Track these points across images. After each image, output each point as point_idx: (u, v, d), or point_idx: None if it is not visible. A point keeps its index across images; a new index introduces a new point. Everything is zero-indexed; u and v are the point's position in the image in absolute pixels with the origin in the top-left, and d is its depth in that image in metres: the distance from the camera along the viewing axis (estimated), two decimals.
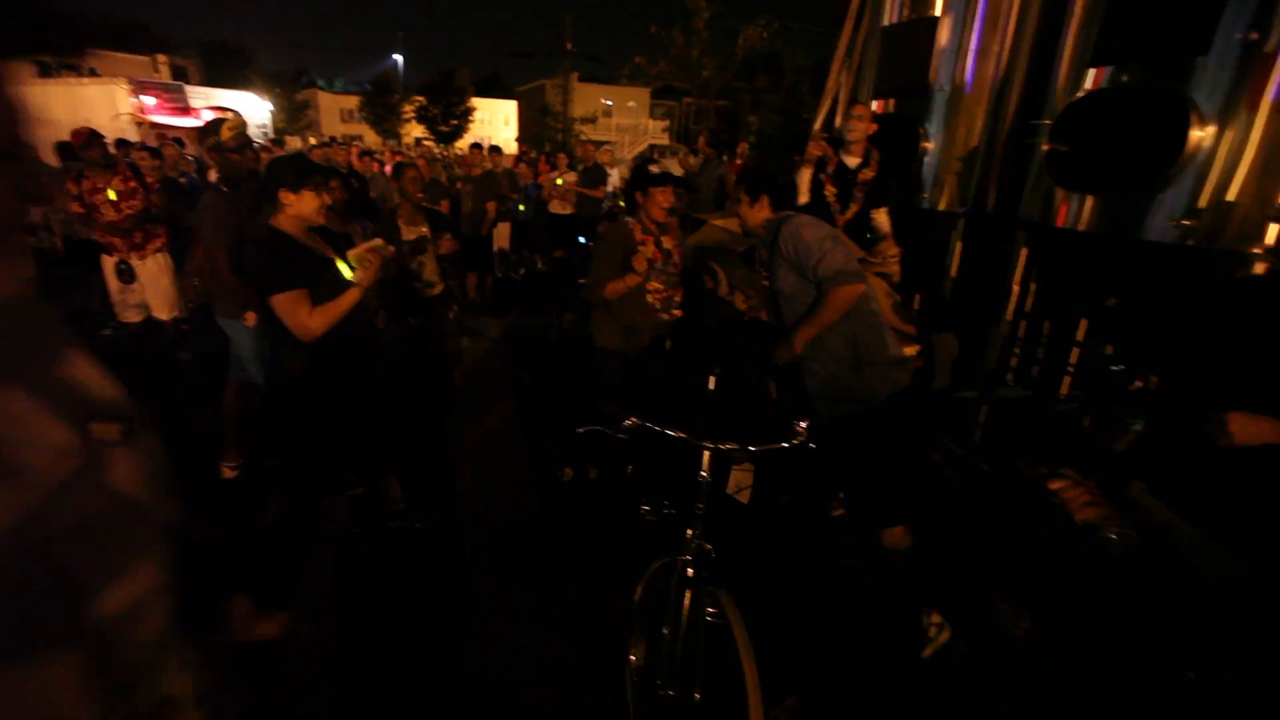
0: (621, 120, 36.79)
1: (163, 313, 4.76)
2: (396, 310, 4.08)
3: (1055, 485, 1.46)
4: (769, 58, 19.88)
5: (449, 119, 36.76)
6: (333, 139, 21.69)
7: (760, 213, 2.45)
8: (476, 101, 38.18)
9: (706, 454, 1.72)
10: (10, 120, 0.46)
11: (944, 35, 4.13)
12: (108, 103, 11.53)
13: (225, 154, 3.22)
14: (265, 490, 3.37)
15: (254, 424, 3.53)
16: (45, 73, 16.15)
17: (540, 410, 4.54)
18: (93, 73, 17.83)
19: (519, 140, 31.81)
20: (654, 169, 2.95)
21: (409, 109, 37.31)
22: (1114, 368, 3.80)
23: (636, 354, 2.95)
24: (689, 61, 19.32)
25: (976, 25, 4.10)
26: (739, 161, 9.91)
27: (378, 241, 2.45)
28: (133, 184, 4.46)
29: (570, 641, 2.37)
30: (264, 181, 2.32)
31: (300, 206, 2.31)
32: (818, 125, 6.54)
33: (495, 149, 8.27)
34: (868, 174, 3.65)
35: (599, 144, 9.71)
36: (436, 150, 20.71)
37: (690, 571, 1.73)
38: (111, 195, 4.36)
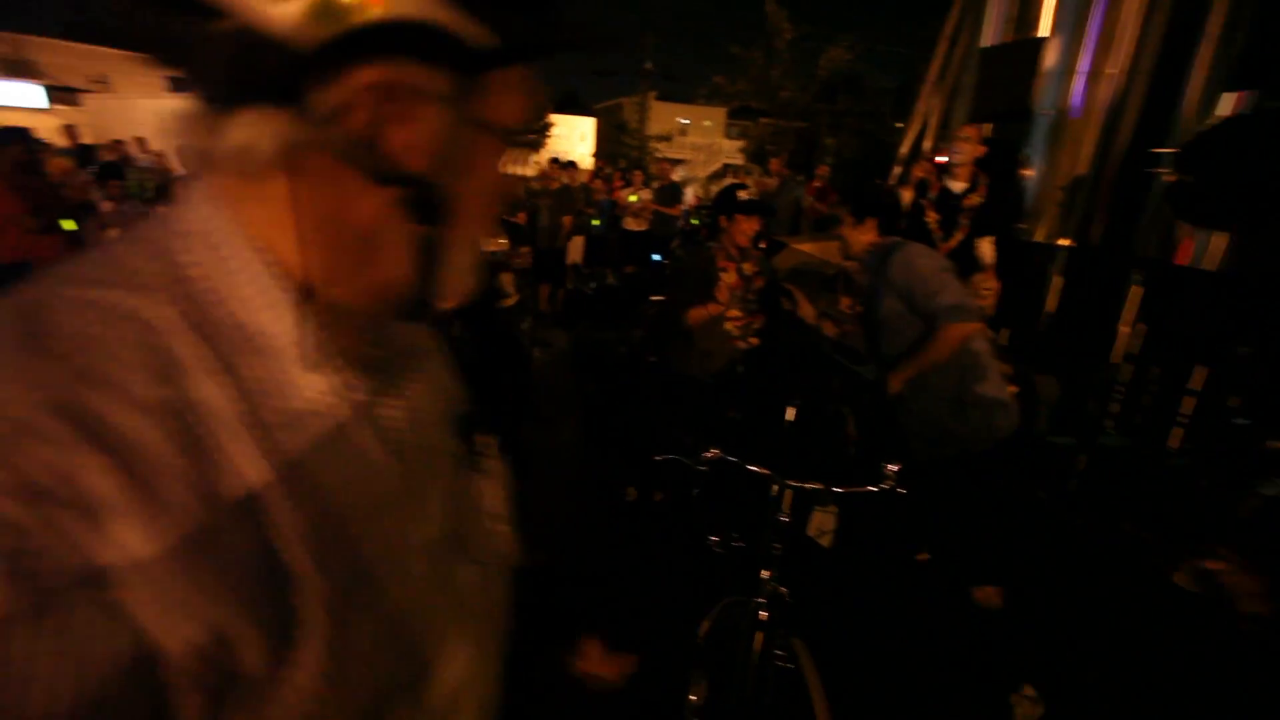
0: (697, 139, 36.95)
1: None
2: (471, 319, 4.17)
3: (1213, 566, 1.28)
4: (850, 79, 19.47)
5: (528, 133, 37.87)
6: None
7: (865, 235, 2.29)
8: (554, 118, 39.25)
9: (788, 493, 1.63)
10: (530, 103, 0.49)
11: (1051, 57, 3.90)
12: None
13: None
14: None
15: None
16: (177, 88, 17.64)
17: (606, 426, 4.52)
18: None
19: (595, 156, 32.53)
20: (741, 194, 2.85)
21: None
22: (1238, 421, 3.43)
23: (712, 379, 2.88)
24: (768, 82, 19.18)
25: (1089, 46, 3.85)
26: (816, 184, 9.71)
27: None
28: None
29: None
30: None
31: None
32: (905, 149, 6.34)
33: (571, 164, 8.43)
34: (974, 200, 3.46)
35: (674, 162, 9.75)
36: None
37: (763, 615, 1.63)
38: None
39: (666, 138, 32.02)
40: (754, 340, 2.98)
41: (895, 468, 1.66)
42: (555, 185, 7.33)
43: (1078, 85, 3.90)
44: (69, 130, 9.13)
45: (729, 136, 37.69)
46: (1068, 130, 3.94)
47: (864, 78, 19.95)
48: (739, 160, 34.26)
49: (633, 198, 8.24)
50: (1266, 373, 2.91)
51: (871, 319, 2.31)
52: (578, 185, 8.17)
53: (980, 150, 3.49)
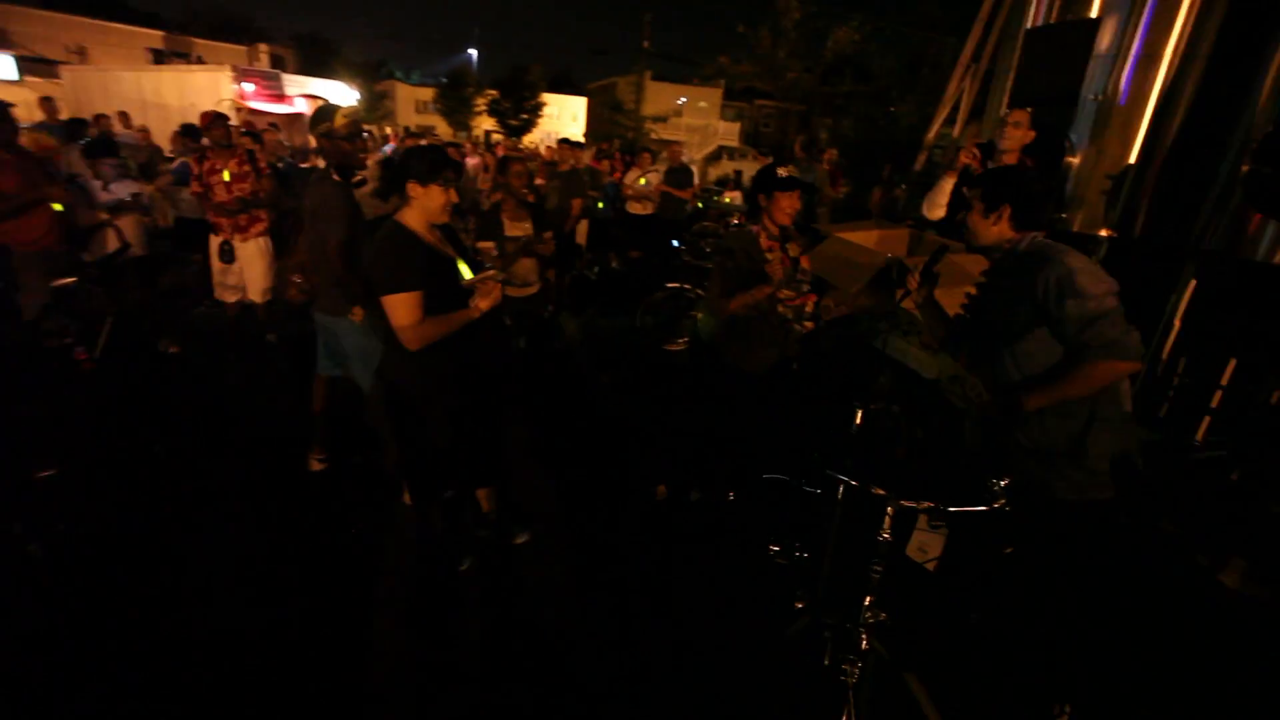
0: (692, 120, 36.46)
1: (256, 295, 4.83)
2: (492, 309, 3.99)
3: None
4: (856, 60, 19.16)
5: (519, 113, 37.27)
6: (407, 129, 22.25)
7: (998, 227, 1.95)
8: (547, 97, 38.59)
9: (889, 511, 1.48)
10: None
11: (1105, 39, 3.72)
12: (213, 88, 12.07)
13: (337, 141, 3.16)
14: (354, 487, 3.31)
15: (343, 418, 3.49)
16: (158, 59, 17.14)
17: (622, 417, 4.36)
18: (200, 60, 18.85)
19: (586, 136, 32.02)
20: (781, 171, 2.71)
21: (481, 102, 38.00)
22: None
23: (765, 372, 2.73)
24: (775, 62, 18.85)
25: (1141, 28, 3.68)
26: (825, 168, 9.53)
27: (492, 271, 2.31)
28: (246, 167, 4.54)
29: (668, 688, 2.16)
30: (395, 171, 2.21)
31: (427, 201, 2.18)
32: (932, 134, 6.15)
33: (580, 145, 8.18)
34: None
35: (669, 144, 9.50)
36: (523, 145, 20.99)
37: (865, 644, 1.49)
38: (226, 176, 4.45)
39: (662, 118, 31.50)
40: (809, 324, 2.83)
41: (1005, 483, 1.52)
42: (565, 167, 7.07)
43: (1128, 69, 3.74)
44: (46, 104, 8.70)
45: (724, 118, 37.26)
46: (1115, 116, 3.78)
47: (870, 59, 19.68)
48: (734, 143, 33.93)
49: (642, 180, 8.01)
50: None
51: (986, 322, 2.03)
52: (584, 167, 7.92)
53: (1030, 136, 3.31)
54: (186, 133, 6.66)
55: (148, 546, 2.78)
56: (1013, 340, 1.94)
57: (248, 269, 4.69)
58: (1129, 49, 3.69)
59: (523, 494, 3.29)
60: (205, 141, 4.74)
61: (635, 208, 8.17)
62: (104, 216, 4.73)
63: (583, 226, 8.45)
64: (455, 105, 38.14)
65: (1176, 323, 3.27)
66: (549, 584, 2.72)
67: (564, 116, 42.31)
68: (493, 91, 37.84)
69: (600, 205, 8.72)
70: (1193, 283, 3.18)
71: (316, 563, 2.77)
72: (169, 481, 3.26)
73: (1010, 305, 1.93)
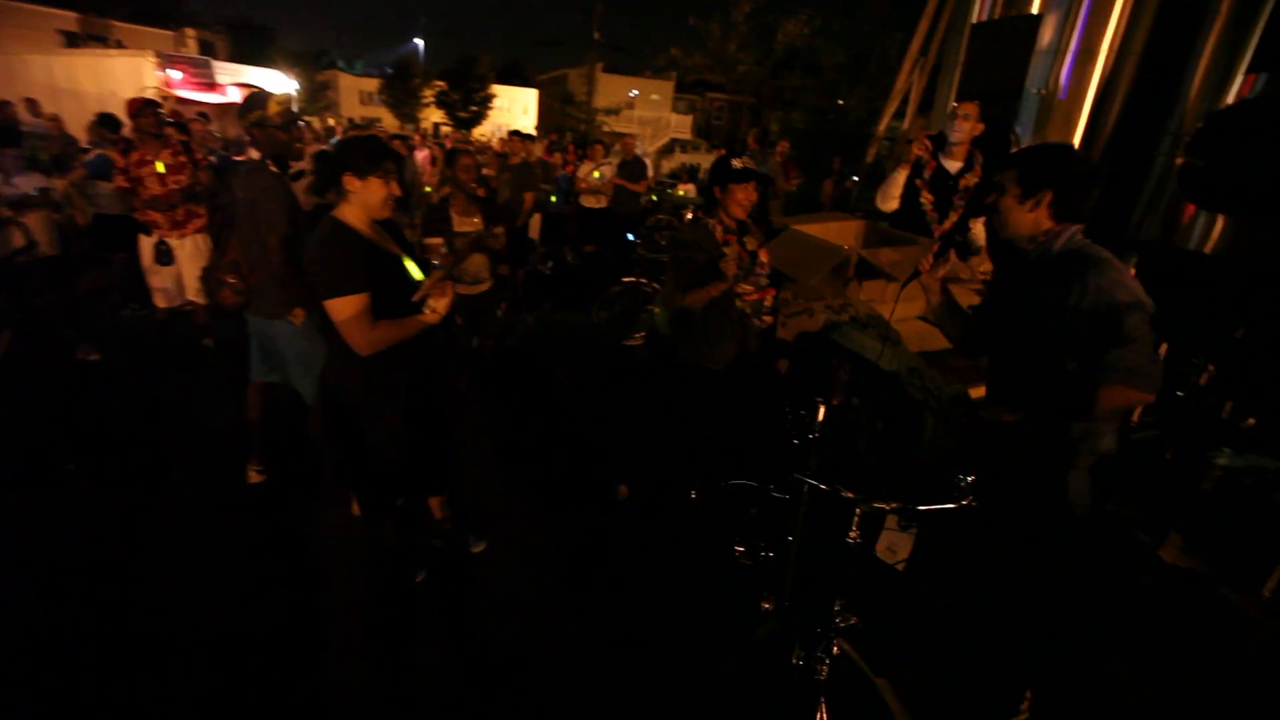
0: (644, 113, 36.32)
1: (197, 296, 4.52)
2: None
3: None
4: (805, 54, 19.43)
5: (468, 105, 36.43)
6: (352, 121, 21.39)
7: (1035, 214, 1.68)
8: (496, 88, 37.83)
9: (857, 512, 1.45)
10: None
11: (1046, 34, 3.81)
12: (134, 75, 11.27)
13: (271, 130, 2.96)
14: (298, 498, 3.13)
15: (283, 426, 3.28)
16: (72, 43, 15.93)
17: (580, 416, 4.27)
18: (120, 45, 17.61)
19: (538, 129, 31.53)
20: (735, 162, 2.65)
21: (429, 94, 36.98)
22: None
23: (724, 368, 2.68)
24: (725, 55, 18.90)
25: (1079, 24, 3.78)
26: (778, 159, 9.60)
27: (439, 272, 2.18)
28: (182, 158, 4.22)
29: (634, 696, 2.10)
30: (330, 164, 2.05)
31: (367, 195, 2.03)
32: (882, 127, 6.24)
33: (530, 137, 7.99)
34: (970, 180, 3.34)
35: (621, 136, 9.42)
36: (472, 137, 20.46)
37: (836, 648, 1.45)
38: (160, 168, 4.12)
39: (614, 111, 31.29)
40: (768, 319, 2.79)
41: (971, 478, 1.50)
42: (516, 160, 6.90)
43: (1067, 64, 3.84)
44: None
45: (676, 111, 37.26)
46: (1057, 110, 3.89)
47: (820, 53, 19.97)
48: (687, 135, 33.96)
49: (595, 174, 7.89)
50: (1260, 355, 2.95)
51: (1014, 331, 1.78)
52: (536, 160, 7.75)
53: (980, 128, 3.37)
54: (104, 123, 6.17)
55: (67, 574, 2.55)
56: (1033, 349, 1.73)
57: (186, 269, 4.36)
58: (1068, 44, 3.79)
59: (478, 500, 3.17)
60: (127, 131, 4.38)
61: (589, 201, 8.06)
62: (6, 213, 4.33)
63: (536, 221, 8.28)
64: (401, 97, 36.95)
65: None
66: (508, 594, 2.62)
67: (514, 109, 41.52)
68: (440, 83, 36.83)
69: (553, 199, 8.57)
70: (1132, 271, 3.29)
71: (259, 583, 2.59)
72: (86, 501, 3.01)
73: (1044, 316, 1.68)
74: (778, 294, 2.84)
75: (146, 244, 4.30)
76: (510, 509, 3.18)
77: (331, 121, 18.31)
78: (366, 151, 2.00)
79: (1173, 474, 3.57)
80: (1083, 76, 3.81)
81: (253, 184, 2.84)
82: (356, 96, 40.20)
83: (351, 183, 2.00)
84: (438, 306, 2.10)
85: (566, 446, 3.83)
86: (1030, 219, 1.70)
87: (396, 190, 2.08)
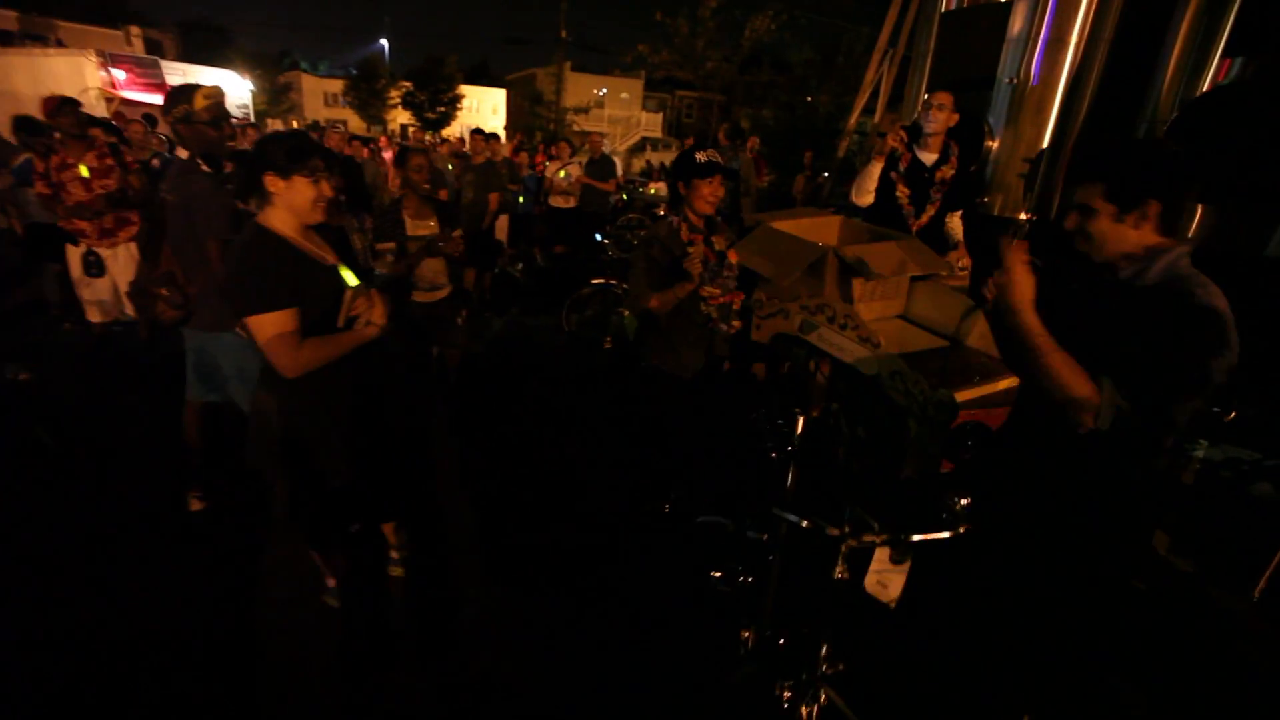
0: (614, 111, 36.13)
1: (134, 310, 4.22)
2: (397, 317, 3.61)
3: None
4: (773, 50, 19.42)
5: (436, 106, 35.89)
6: (316, 123, 20.80)
7: (1141, 231, 1.37)
8: (464, 89, 37.32)
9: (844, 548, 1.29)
10: None
11: (1016, 22, 3.73)
12: (75, 76, 10.71)
13: (198, 126, 2.71)
14: (243, 528, 2.89)
15: (225, 449, 3.04)
16: (6, 41, 15.14)
17: (549, 426, 4.08)
18: (60, 44, 16.82)
19: (508, 129, 31.12)
20: (700, 156, 2.44)
21: (395, 95, 36.34)
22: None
23: (692, 376, 2.51)
24: (693, 52, 18.79)
25: (1049, 11, 3.71)
26: (750, 155, 9.51)
27: (361, 286, 1.96)
28: (109, 161, 3.90)
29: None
30: (248, 164, 1.83)
31: (292, 197, 1.82)
32: (852, 121, 6.15)
33: (494, 137, 7.76)
34: (946, 172, 3.23)
35: (600, 136, 9.23)
36: (427, 137, 20.06)
37: (824, 697, 1.30)
38: (83, 172, 3.79)
39: (584, 109, 31.06)
40: (737, 324, 2.64)
41: (965, 501, 1.36)
42: (480, 160, 6.66)
43: (1038, 53, 3.77)
44: None
45: (646, 109, 37.13)
46: (1029, 99, 3.81)
47: (788, 49, 19.94)
48: (657, 134, 33.84)
49: (561, 173, 7.69)
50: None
51: (1089, 361, 1.39)
52: (501, 160, 7.52)
53: (955, 119, 3.26)
54: (21, 125, 5.72)
55: None
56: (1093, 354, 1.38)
57: (121, 281, 4.05)
58: (1039, 32, 3.71)
59: (438, 522, 2.97)
60: (58, 136, 4.05)
61: (558, 201, 7.86)
62: None
63: (503, 222, 8.06)
64: (367, 98, 36.24)
65: None
66: (467, 624, 2.43)
67: (483, 109, 40.99)
68: (407, 84, 36.20)
69: (520, 200, 8.34)
70: None
71: (203, 619, 2.36)
72: (5, 537, 2.73)
73: (1109, 338, 1.39)
74: (748, 297, 2.68)
75: (74, 254, 3.99)
76: (472, 531, 2.98)
77: (294, 124, 17.77)
78: (289, 148, 1.79)
79: (1150, 469, 3.54)
80: (1054, 64, 3.74)
81: (185, 186, 2.59)
82: (321, 98, 39.31)
83: (274, 183, 1.79)
84: (374, 318, 1.90)
85: (532, 462, 3.64)
86: (1136, 237, 1.38)
87: (328, 191, 1.87)
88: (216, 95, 2.84)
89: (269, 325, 1.73)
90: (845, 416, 2.64)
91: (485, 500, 3.21)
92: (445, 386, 4.15)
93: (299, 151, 1.79)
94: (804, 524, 1.18)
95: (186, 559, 2.69)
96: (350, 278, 1.97)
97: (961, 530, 1.31)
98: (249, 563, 2.69)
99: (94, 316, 4.23)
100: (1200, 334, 1.28)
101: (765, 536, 1.20)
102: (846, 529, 1.22)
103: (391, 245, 3.27)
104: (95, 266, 3.97)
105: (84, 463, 3.32)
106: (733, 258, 2.59)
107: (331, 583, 2.47)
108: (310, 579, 2.49)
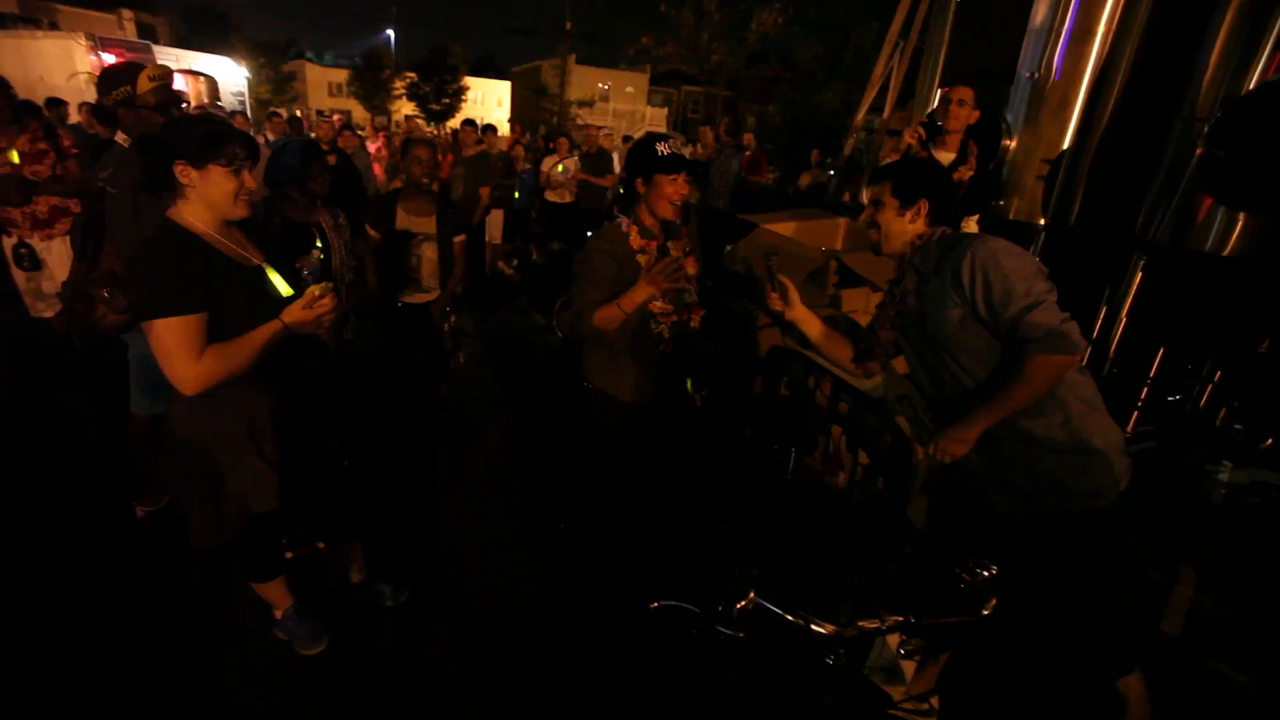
0: (619, 105, 35.77)
1: None
2: (378, 321, 3.38)
3: None
4: (779, 45, 19.04)
5: (441, 97, 35.67)
6: (319, 112, 20.55)
7: (914, 224, 1.70)
8: (469, 80, 37.09)
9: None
10: None
11: (1039, 12, 3.46)
12: (64, 59, 10.48)
13: (142, 112, 2.47)
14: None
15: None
16: (1, 25, 14.89)
17: (541, 437, 3.84)
18: (53, 27, 16.56)
19: (512, 122, 30.93)
20: (662, 147, 2.04)
21: (400, 85, 36.12)
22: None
23: (639, 401, 2.21)
24: (698, 45, 18.43)
25: (1073, 1, 3.43)
26: (747, 153, 9.22)
27: (327, 285, 1.68)
28: (42, 145, 3.64)
29: None
30: (156, 152, 1.57)
31: (207, 189, 1.57)
32: (860, 117, 5.88)
33: (490, 128, 7.50)
34: (965, 172, 2.97)
35: (598, 129, 8.95)
36: (428, 129, 19.77)
37: None
38: (14, 157, 3.53)
39: (589, 103, 30.76)
40: (704, 347, 2.34)
41: (990, 572, 1.11)
42: (470, 152, 6.40)
43: (1061, 44, 3.49)
44: None
45: (652, 104, 36.75)
46: (1051, 94, 3.54)
47: (795, 43, 19.55)
48: (663, 128, 33.52)
49: (559, 167, 7.43)
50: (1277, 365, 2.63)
51: (923, 339, 1.72)
52: (497, 153, 7.25)
53: (975, 116, 2.99)
54: None
55: None
56: (953, 347, 1.65)
57: (60, 274, 3.81)
58: (1063, 22, 3.44)
59: (403, 543, 2.74)
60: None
61: (554, 196, 7.62)
62: None
63: (496, 217, 7.80)
64: (371, 88, 36.01)
65: (1123, 316, 3.05)
66: (431, 658, 2.20)
67: (488, 101, 40.72)
68: (412, 74, 35.96)
69: (516, 195, 8.08)
70: (1139, 276, 2.96)
71: (149, 642, 2.15)
72: None
73: (940, 307, 1.63)
74: (727, 310, 2.38)
75: (6, 245, 3.74)
76: (441, 553, 2.75)
77: (298, 112, 17.54)
78: (203, 134, 1.54)
79: (1177, 494, 3.28)
80: (1079, 58, 3.46)
81: (128, 178, 2.34)
82: (325, 88, 39.10)
83: (186, 174, 1.54)
84: (302, 320, 1.64)
85: (516, 475, 3.40)
86: (913, 228, 1.73)
87: (250, 182, 1.62)
88: (164, 77, 2.60)
89: (165, 333, 1.48)
90: (850, 441, 2.39)
91: (460, 515, 2.98)
92: (430, 393, 3.92)
93: (215, 138, 1.54)
94: (789, 618, 0.93)
95: (133, 573, 2.47)
96: (279, 281, 1.73)
97: (986, 612, 1.06)
98: (198, 582, 2.46)
99: (40, 312, 3.96)
100: (980, 249, 1.55)
101: (741, 635, 0.94)
102: (841, 623, 0.97)
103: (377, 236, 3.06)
104: (25, 260, 3.71)
105: (20, 468, 3.09)
106: (691, 268, 2.22)
107: (278, 614, 2.24)
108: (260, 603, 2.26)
